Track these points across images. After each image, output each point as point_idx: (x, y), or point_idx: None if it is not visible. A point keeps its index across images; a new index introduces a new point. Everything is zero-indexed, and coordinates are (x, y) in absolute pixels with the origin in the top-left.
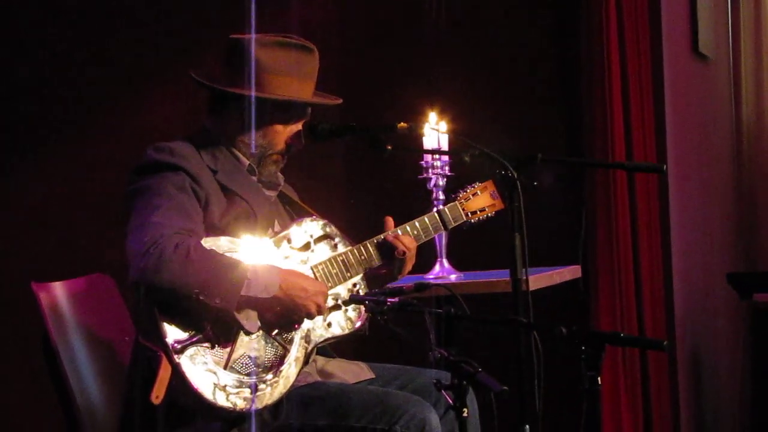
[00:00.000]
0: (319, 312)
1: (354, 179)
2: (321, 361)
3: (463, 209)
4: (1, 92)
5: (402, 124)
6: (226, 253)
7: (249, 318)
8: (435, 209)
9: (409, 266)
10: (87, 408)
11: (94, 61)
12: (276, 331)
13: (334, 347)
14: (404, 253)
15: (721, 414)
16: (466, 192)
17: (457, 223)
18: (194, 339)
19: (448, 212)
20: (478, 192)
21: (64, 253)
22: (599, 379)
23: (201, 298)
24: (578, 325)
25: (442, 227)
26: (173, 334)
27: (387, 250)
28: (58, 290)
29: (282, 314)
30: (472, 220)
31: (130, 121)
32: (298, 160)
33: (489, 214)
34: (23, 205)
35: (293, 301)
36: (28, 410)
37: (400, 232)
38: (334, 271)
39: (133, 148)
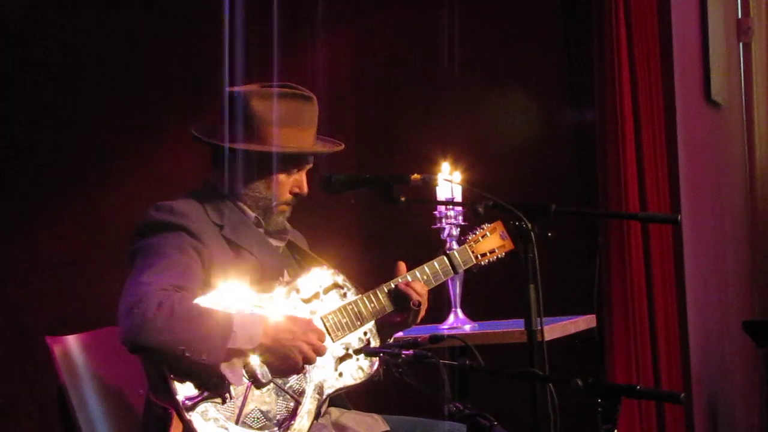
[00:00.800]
0: (315, 351)
1: (367, 228)
2: (335, 413)
3: (473, 251)
4: (18, 142)
5: (416, 175)
6: (233, 308)
7: (234, 371)
8: (444, 253)
9: (422, 313)
10: None
11: (118, 109)
12: (287, 383)
13: (348, 398)
14: (419, 303)
15: None
16: (476, 234)
17: (467, 266)
18: (205, 395)
19: (457, 255)
20: (488, 233)
21: (78, 306)
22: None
23: (187, 354)
24: (594, 375)
25: (452, 271)
26: (183, 390)
27: (398, 297)
28: (72, 343)
29: (275, 361)
30: (483, 263)
31: (148, 171)
32: (310, 209)
33: (499, 255)
34: (37, 258)
35: (282, 345)
36: None
37: (410, 278)
38: (345, 320)
39: (151, 198)
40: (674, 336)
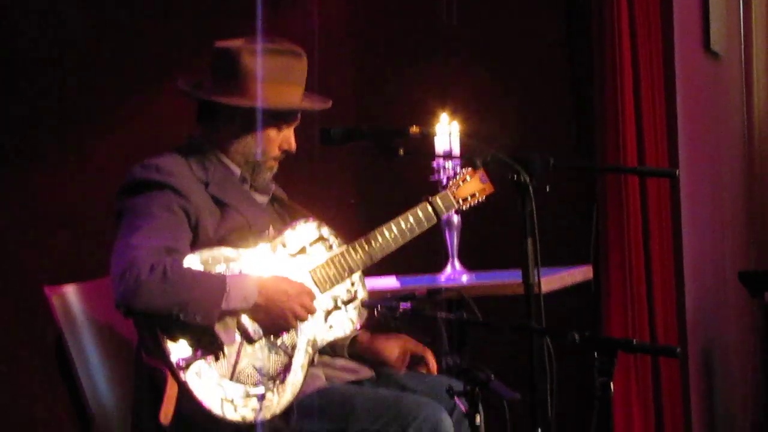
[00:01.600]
0: (308, 312)
1: (364, 181)
2: (325, 359)
3: (454, 197)
4: (14, 94)
5: (414, 128)
6: (222, 264)
7: (227, 330)
8: (426, 200)
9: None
10: (100, 411)
11: (111, 61)
12: (279, 339)
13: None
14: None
15: (733, 413)
16: (456, 179)
17: (449, 211)
18: (198, 354)
19: (439, 201)
20: (468, 178)
21: (77, 256)
22: (611, 385)
23: (181, 317)
24: (590, 325)
25: (435, 217)
26: (177, 351)
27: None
28: (71, 293)
29: (268, 322)
30: (464, 207)
31: (144, 124)
32: (307, 160)
33: (480, 199)
34: (35, 207)
35: (276, 306)
36: (42, 414)
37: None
38: (332, 272)
39: (148, 151)
40: (670, 287)
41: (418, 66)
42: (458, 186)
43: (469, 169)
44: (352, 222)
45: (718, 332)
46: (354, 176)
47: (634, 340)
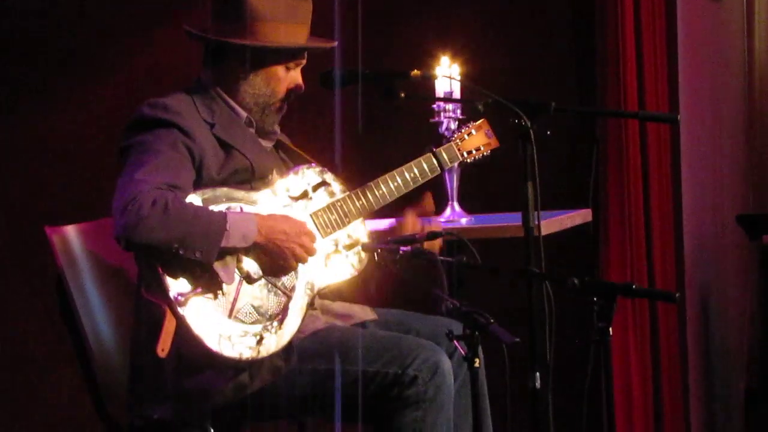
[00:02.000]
0: (307, 253)
1: (364, 123)
2: (325, 302)
3: (459, 149)
4: (13, 38)
5: (415, 71)
6: (223, 204)
7: (227, 268)
8: (430, 150)
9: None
10: (100, 350)
11: (110, 4)
12: (279, 279)
13: (338, 293)
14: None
15: (730, 356)
16: (461, 132)
17: (453, 164)
18: (197, 290)
19: (443, 153)
20: (473, 131)
21: (77, 197)
22: (610, 330)
23: (181, 252)
24: (588, 267)
25: (438, 169)
26: (176, 286)
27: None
28: (71, 233)
29: (267, 261)
30: (468, 160)
31: (141, 62)
32: (309, 103)
33: (485, 153)
34: (35, 148)
35: (276, 245)
36: (43, 353)
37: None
38: (333, 217)
39: (146, 89)
40: (668, 230)
41: (418, 8)
42: (463, 139)
43: (476, 122)
44: (354, 165)
45: (716, 275)
46: (355, 119)
47: (634, 285)
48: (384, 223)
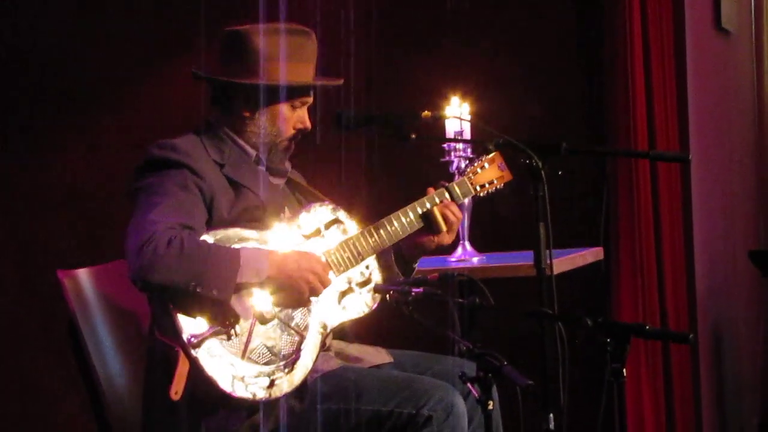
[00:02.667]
0: (321, 282)
1: (375, 162)
2: (340, 345)
3: (472, 183)
4: (24, 79)
5: (426, 112)
6: (236, 244)
7: (243, 305)
8: (443, 185)
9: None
10: (112, 392)
11: (120, 39)
12: (291, 319)
13: (352, 331)
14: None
15: (742, 394)
16: (474, 166)
17: (466, 198)
18: (210, 332)
19: (456, 188)
20: (486, 165)
21: (89, 240)
22: (624, 371)
23: (198, 290)
24: (600, 306)
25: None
26: (189, 327)
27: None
28: (83, 277)
29: (281, 295)
30: (482, 194)
31: (153, 103)
32: (317, 143)
33: (498, 186)
34: (45, 192)
35: (288, 277)
36: (56, 396)
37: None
38: (346, 255)
39: (157, 130)
40: (680, 267)
41: (428, 49)
42: (476, 173)
43: (488, 155)
44: (365, 204)
45: (728, 312)
46: (366, 159)
47: (647, 326)
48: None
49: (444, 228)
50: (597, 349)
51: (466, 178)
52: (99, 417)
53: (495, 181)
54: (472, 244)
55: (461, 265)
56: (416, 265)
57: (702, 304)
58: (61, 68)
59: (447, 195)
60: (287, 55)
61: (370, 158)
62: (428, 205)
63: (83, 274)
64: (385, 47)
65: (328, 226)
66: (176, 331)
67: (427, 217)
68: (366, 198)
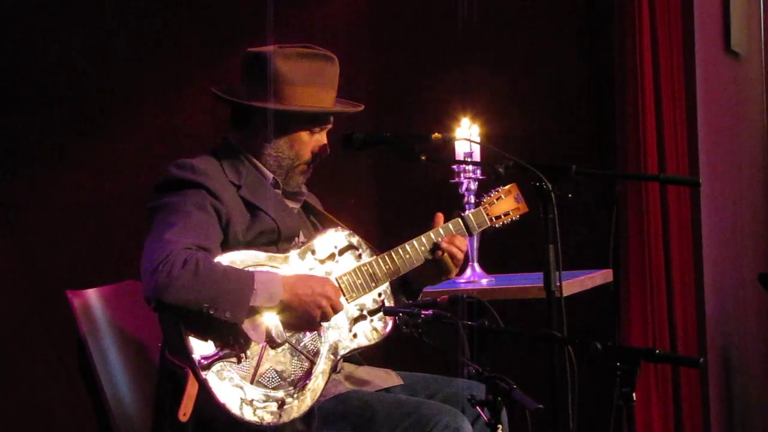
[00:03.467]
0: (333, 306)
1: (384, 184)
2: (350, 368)
3: (487, 214)
4: (29, 97)
5: (436, 134)
6: (250, 268)
7: (256, 329)
8: (460, 215)
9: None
10: (120, 413)
11: (127, 63)
12: (302, 343)
13: (362, 354)
14: (442, 254)
15: (752, 416)
16: (491, 197)
17: (481, 229)
18: (220, 354)
19: (472, 218)
20: (502, 196)
21: (98, 260)
22: (634, 395)
23: (211, 312)
24: (609, 328)
25: (467, 233)
26: (199, 349)
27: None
28: (92, 297)
29: (293, 318)
30: (497, 225)
31: (162, 126)
32: (326, 164)
33: (513, 218)
34: (55, 212)
35: (301, 301)
36: (63, 416)
37: (432, 235)
38: (359, 281)
39: (166, 151)
40: (689, 289)
41: (438, 71)
42: (492, 203)
43: (505, 187)
44: (373, 226)
45: (738, 335)
46: (375, 180)
47: (657, 350)
48: None
49: (452, 268)
50: (607, 372)
51: (482, 209)
52: None
53: (510, 213)
54: (481, 265)
55: (470, 286)
56: (420, 296)
57: (711, 326)
58: (73, 87)
59: (462, 224)
60: (309, 81)
61: (379, 180)
62: (442, 233)
63: (92, 294)
64: (395, 68)
65: (342, 251)
66: (186, 352)
67: (436, 260)
68: (374, 220)
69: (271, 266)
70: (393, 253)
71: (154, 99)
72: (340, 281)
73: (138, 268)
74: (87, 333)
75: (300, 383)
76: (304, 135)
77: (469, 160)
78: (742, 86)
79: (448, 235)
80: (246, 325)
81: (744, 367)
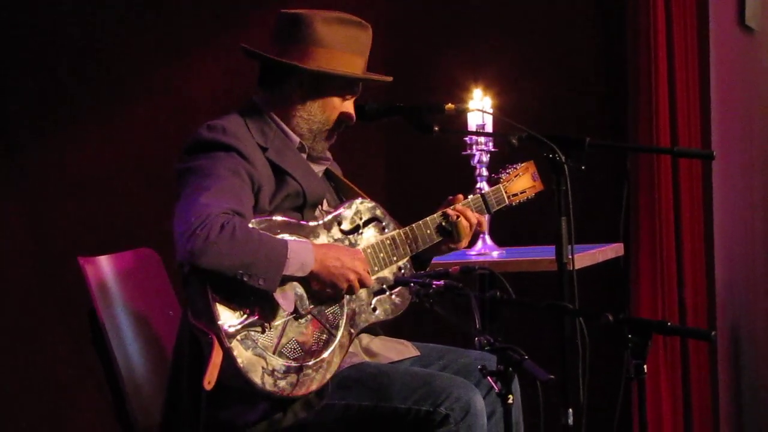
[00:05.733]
0: (362, 280)
1: (395, 155)
2: (365, 339)
3: (506, 192)
4: (41, 61)
5: (450, 105)
6: (278, 234)
7: (286, 297)
8: (479, 192)
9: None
10: (132, 381)
11: (137, 29)
12: (323, 315)
13: (380, 325)
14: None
15: (760, 391)
16: (509, 174)
17: (499, 206)
18: (246, 322)
19: (492, 195)
20: (520, 173)
21: (110, 227)
22: (645, 367)
23: (245, 279)
24: (619, 302)
25: (486, 210)
26: (226, 316)
27: (448, 229)
28: (104, 264)
29: (320, 290)
30: (514, 203)
31: (173, 91)
32: (338, 135)
33: (529, 196)
34: (69, 178)
35: (330, 273)
36: (75, 383)
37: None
38: (382, 254)
39: (178, 118)
40: (700, 264)
41: (450, 42)
42: (510, 181)
43: (522, 164)
44: (385, 199)
45: (748, 311)
46: (386, 152)
47: (669, 323)
48: None
49: (462, 235)
50: (618, 344)
51: (501, 186)
52: (118, 405)
53: (527, 191)
54: (493, 238)
55: (482, 258)
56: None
57: (721, 301)
58: (81, 56)
59: (482, 201)
60: (345, 46)
61: (390, 152)
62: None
63: (104, 260)
64: (408, 39)
65: (366, 223)
66: (213, 318)
67: (449, 224)
68: (384, 192)
69: (298, 234)
70: (415, 227)
71: (166, 66)
72: (363, 253)
73: (174, 231)
74: (99, 300)
75: (319, 355)
76: (337, 100)
77: (482, 131)
78: (756, 61)
79: (456, 208)
80: (276, 294)
81: (753, 344)
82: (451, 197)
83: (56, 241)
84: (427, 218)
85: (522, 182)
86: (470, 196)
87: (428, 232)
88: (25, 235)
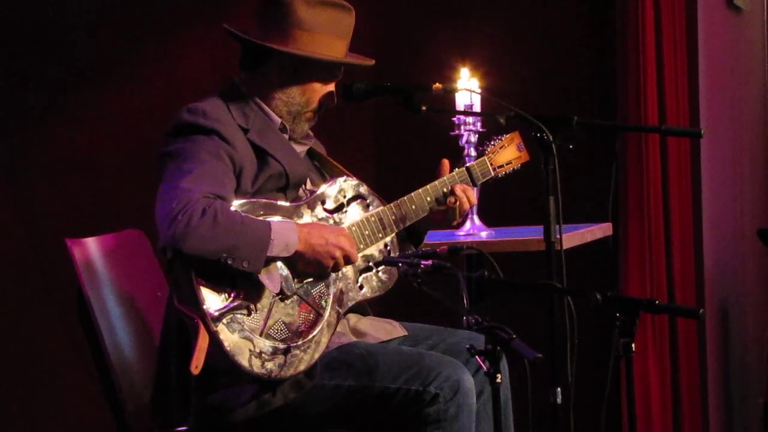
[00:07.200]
0: (347, 256)
1: (383, 135)
2: (353, 318)
3: (491, 163)
4: (25, 42)
5: (437, 84)
6: (261, 215)
7: (271, 278)
8: (464, 165)
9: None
10: (120, 362)
11: (124, 9)
12: (309, 295)
13: (368, 304)
14: (455, 201)
15: (748, 370)
16: (494, 146)
17: (485, 179)
18: (232, 306)
19: (476, 168)
20: (506, 144)
21: (97, 209)
22: (633, 345)
23: (229, 262)
24: (608, 281)
25: (471, 183)
26: (211, 300)
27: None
28: (92, 246)
29: (306, 268)
30: (500, 174)
31: (160, 72)
32: (325, 115)
33: (515, 167)
34: (56, 160)
35: (314, 252)
36: (64, 365)
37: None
38: (367, 232)
39: (165, 99)
40: (688, 243)
41: (438, 21)
42: (495, 152)
43: (507, 135)
44: (373, 178)
45: (736, 290)
46: (374, 132)
47: (657, 301)
48: None
49: (457, 216)
50: (606, 323)
51: (486, 158)
52: (105, 385)
53: (512, 162)
54: (481, 218)
55: (470, 239)
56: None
57: (710, 280)
58: (69, 37)
59: (467, 174)
60: (326, 29)
61: (378, 132)
62: (449, 185)
63: (92, 242)
64: (394, 19)
65: (350, 201)
66: (197, 302)
67: (447, 207)
68: (373, 171)
69: (282, 215)
70: (400, 203)
71: (153, 46)
72: (348, 231)
73: (156, 216)
74: (86, 282)
75: (307, 335)
76: (317, 84)
77: (470, 111)
78: (744, 41)
79: (462, 184)
80: (261, 275)
81: (741, 323)
82: (440, 166)
83: (43, 222)
84: (413, 194)
85: (507, 153)
86: (456, 170)
87: (414, 207)
88: (11, 216)
